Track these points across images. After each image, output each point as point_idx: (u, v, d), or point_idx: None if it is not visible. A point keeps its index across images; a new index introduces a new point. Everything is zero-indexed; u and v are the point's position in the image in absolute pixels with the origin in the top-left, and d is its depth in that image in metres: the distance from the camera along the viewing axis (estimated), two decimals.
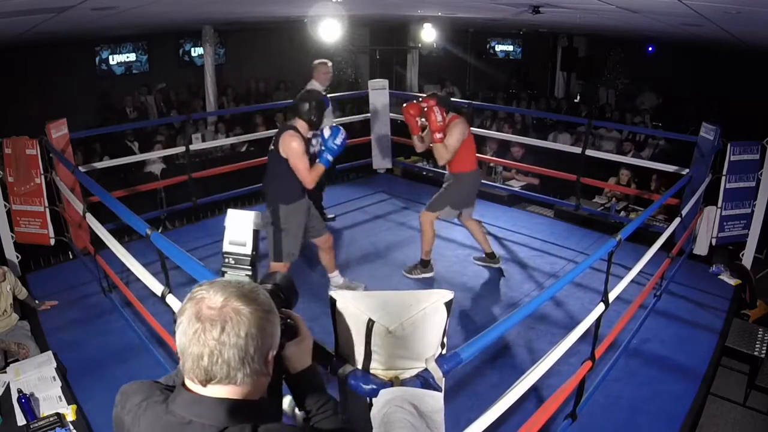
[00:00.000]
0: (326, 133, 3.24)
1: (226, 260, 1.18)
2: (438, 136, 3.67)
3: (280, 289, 1.18)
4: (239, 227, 1.18)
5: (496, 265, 4.30)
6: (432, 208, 4.03)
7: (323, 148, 3.24)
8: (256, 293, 0.94)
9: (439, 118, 3.63)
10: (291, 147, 3.19)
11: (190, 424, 0.91)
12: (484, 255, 4.35)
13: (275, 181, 3.34)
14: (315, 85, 4.85)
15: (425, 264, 4.19)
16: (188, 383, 0.94)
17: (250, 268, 1.16)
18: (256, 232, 1.18)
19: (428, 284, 4.11)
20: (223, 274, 1.18)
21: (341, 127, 3.28)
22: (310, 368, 1.14)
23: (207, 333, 0.88)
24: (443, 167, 7.01)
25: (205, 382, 0.90)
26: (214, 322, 0.88)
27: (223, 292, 0.91)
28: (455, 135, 3.74)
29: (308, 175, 3.24)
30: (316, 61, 4.90)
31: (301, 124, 3.28)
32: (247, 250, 1.17)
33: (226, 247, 1.18)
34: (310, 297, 3.91)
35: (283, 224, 3.33)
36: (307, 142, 3.30)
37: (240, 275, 1.15)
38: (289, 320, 1.12)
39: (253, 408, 0.94)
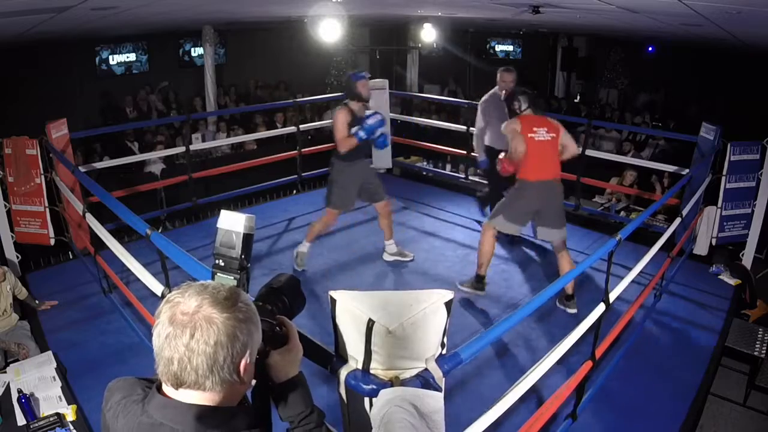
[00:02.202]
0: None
1: (217, 261, 1.16)
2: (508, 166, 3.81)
3: (283, 293, 1.15)
4: (230, 229, 1.15)
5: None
6: (490, 217, 3.87)
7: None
8: (234, 300, 0.92)
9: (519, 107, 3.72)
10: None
11: (161, 426, 0.92)
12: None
13: None
14: (495, 92, 4.59)
15: (479, 279, 3.90)
16: (163, 386, 0.95)
17: (238, 271, 1.14)
18: (247, 236, 1.15)
19: (428, 284, 4.11)
20: (213, 275, 1.17)
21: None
22: (295, 379, 1.11)
23: (177, 338, 0.88)
24: (443, 167, 7.08)
25: (176, 386, 0.91)
26: (184, 328, 0.88)
27: (197, 297, 0.90)
28: (508, 129, 3.68)
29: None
30: (501, 69, 4.68)
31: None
32: (235, 253, 1.14)
33: (218, 248, 1.16)
34: (310, 297, 3.90)
35: (335, 177, 4.04)
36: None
37: (228, 278, 1.13)
38: (279, 328, 1.10)
39: (225, 415, 0.94)
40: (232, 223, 1.15)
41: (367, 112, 3.93)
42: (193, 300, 0.90)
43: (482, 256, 3.85)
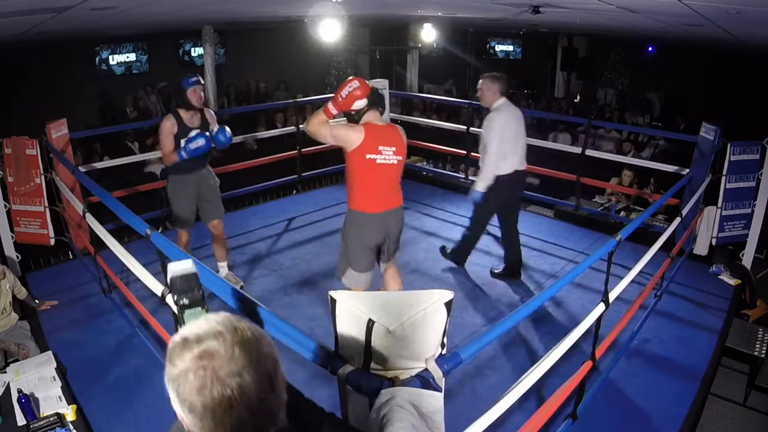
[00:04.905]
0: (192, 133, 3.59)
1: (182, 302, 1.28)
2: (331, 107, 2.78)
3: None
4: (184, 274, 1.28)
5: None
6: (339, 275, 3.16)
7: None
8: (252, 331, 0.86)
9: (358, 104, 2.77)
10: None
11: None
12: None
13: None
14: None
15: None
16: None
17: (202, 302, 1.29)
18: (197, 273, 1.29)
19: (428, 284, 4.11)
20: (181, 313, 1.28)
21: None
22: None
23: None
24: (443, 167, 7.07)
25: None
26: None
27: (231, 348, 0.82)
28: (338, 128, 2.84)
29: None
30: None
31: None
32: (198, 289, 1.29)
33: (179, 291, 1.28)
34: (311, 297, 3.92)
35: (170, 194, 3.78)
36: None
37: (198, 310, 1.26)
38: None
39: None
40: (182, 268, 1.29)
41: (192, 134, 3.57)
42: (233, 359, 0.81)
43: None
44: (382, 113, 2.92)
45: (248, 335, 0.84)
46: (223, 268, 4.08)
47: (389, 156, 2.86)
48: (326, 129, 2.81)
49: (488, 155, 3.77)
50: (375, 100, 2.86)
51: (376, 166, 2.83)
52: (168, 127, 3.57)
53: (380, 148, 2.82)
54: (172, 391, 0.83)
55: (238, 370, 0.81)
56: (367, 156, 2.80)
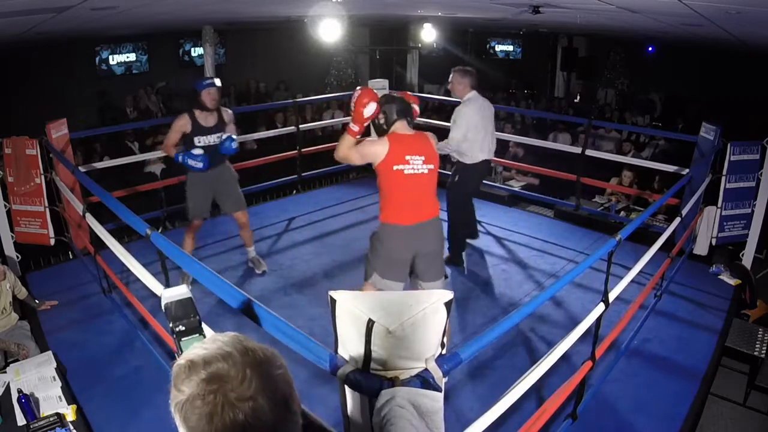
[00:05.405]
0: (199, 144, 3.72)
1: (178, 329, 1.24)
2: (352, 125, 2.75)
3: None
4: (179, 299, 1.25)
5: None
6: (365, 278, 2.99)
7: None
8: (263, 352, 0.80)
9: (368, 111, 2.70)
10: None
11: None
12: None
13: None
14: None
15: None
16: None
17: (199, 327, 1.24)
18: (192, 298, 1.25)
19: None
20: (178, 341, 1.23)
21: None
22: None
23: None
24: (443, 167, 7.05)
25: None
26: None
27: (245, 370, 0.76)
28: (363, 146, 2.79)
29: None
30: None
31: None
32: (194, 316, 1.25)
33: (175, 317, 1.24)
34: (311, 297, 3.92)
35: (186, 187, 3.90)
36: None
37: (196, 337, 1.22)
38: None
39: None
40: (176, 293, 1.25)
41: (197, 151, 3.65)
42: (245, 382, 0.75)
43: None
44: (410, 123, 2.85)
45: (260, 355, 0.79)
46: (251, 251, 4.31)
47: (418, 166, 2.74)
48: (354, 151, 2.75)
49: (449, 141, 4.07)
50: (402, 110, 2.81)
51: (404, 176, 2.73)
52: (180, 124, 3.66)
53: (407, 157, 2.72)
54: (179, 418, 0.76)
55: (251, 393, 0.74)
56: (395, 167, 2.71)
